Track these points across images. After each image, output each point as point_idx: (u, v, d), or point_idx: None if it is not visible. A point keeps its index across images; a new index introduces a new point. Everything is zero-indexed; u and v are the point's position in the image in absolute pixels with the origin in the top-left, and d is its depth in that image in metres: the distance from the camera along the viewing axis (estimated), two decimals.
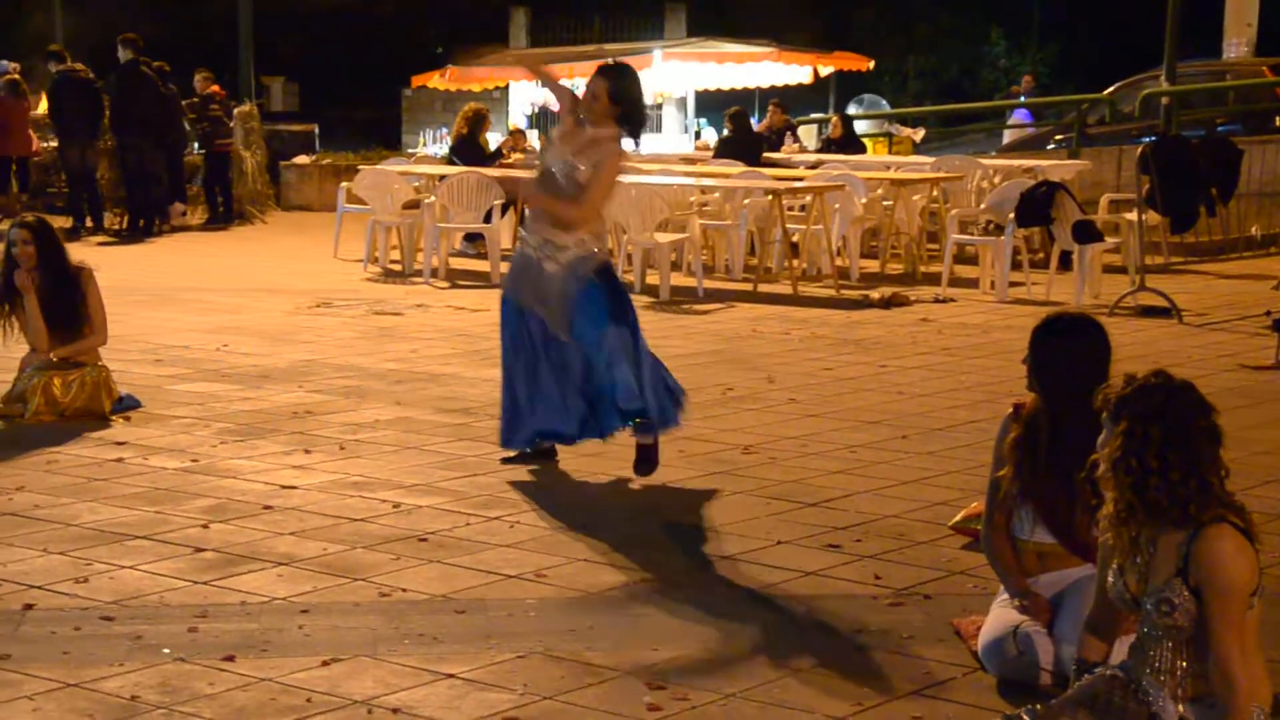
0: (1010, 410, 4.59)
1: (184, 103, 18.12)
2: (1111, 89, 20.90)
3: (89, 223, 17.30)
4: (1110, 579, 3.68)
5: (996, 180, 15.07)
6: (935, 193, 14.87)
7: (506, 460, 6.89)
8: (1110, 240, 12.97)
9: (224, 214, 18.55)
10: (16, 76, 18.34)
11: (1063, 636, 4.30)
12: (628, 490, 6.58)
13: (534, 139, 21.08)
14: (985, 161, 16.46)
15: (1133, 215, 12.79)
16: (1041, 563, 4.54)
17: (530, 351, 6.73)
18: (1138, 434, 3.52)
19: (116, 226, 17.66)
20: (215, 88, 18.57)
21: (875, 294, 12.42)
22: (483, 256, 14.63)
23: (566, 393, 6.72)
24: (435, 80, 24.14)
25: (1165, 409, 3.52)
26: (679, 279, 13.36)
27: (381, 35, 34.97)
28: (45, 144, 18.70)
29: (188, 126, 18.38)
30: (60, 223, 16.16)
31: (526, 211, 7.14)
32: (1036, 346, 4.48)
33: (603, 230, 6.84)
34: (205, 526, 5.89)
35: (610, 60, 7.01)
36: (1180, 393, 3.55)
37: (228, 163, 18.74)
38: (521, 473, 6.78)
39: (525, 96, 24.34)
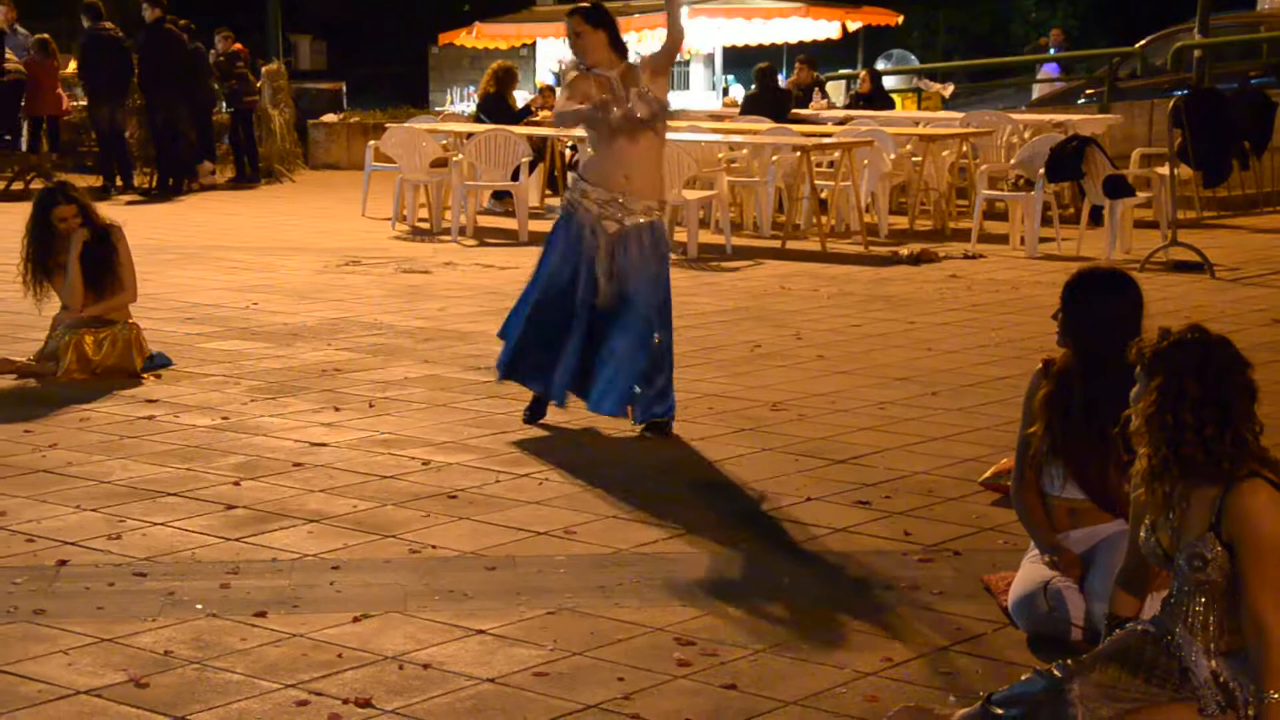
0: (1040, 366, 4.57)
1: (211, 62, 18.12)
2: (1143, 42, 20.70)
3: (118, 182, 17.33)
4: (1143, 534, 3.66)
5: (1027, 135, 14.96)
6: (965, 148, 14.78)
7: (531, 419, 6.88)
8: (1142, 195, 12.87)
9: (250, 173, 18.57)
10: (46, 35, 18.34)
11: (1094, 592, 4.28)
12: (656, 447, 6.58)
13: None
14: (1015, 117, 16.34)
15: (1164, 169, 12.69)
16: (1072, 519, 4.52)
17: (562, 306, 6.69)
18: (1173, 389, 3.50)
19: (146, 185, 17.69)
20: (238, 46, 18.56)
21: (904, 250, 12.37)
22: (510, 214, 14.62)
23: (575, 351, 6.68)
24: (463, 38, 24.07)
25: (1202, 364, 3.49)
26: (707, 236, 13.33)
27: None
28: (75, 103, 18.70)
29: (216, 85, 18.37)
30: (90, 182, 16.23)
31: (582, 164, 6.92)
32: (1068, 302, 4.44)
33: (664, 195, 6.78)
34: (236, 484, 5.92)
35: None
36: (1216, 347, 3.52)
37: (253, 121, 18.75)
38: (550, 430, 6.79)
39: (552, 53, 24.21)
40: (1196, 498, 3.54)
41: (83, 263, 7.84)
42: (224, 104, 19.03)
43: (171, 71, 16.99)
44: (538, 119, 16.75)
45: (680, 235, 12.85)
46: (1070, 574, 4.38)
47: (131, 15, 17.45)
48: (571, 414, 6.93)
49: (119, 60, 17.05)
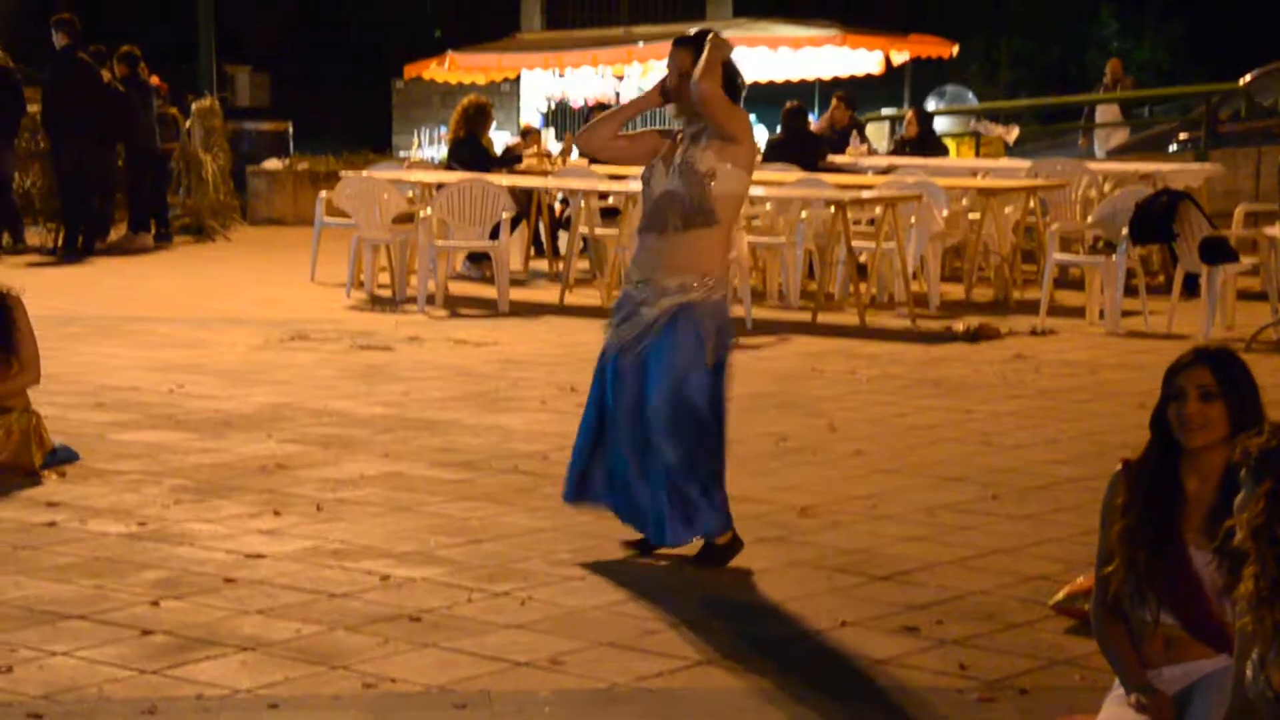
0: (1119, 467, 4.54)
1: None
2: (1248, 77, 20.88)
3: (5, 239, 17.26)
4: (1249, 673, 3.64)
5: (1107, 189, 15.06)
6: (1032, 204, 14.87)
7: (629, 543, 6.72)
8: (1246, 260, 12.93)
9: (162, 230, 18.38)
10: None
11: None
12: (662, 560, 6.57)
13: (550, 139, 21.14)
14: (1093, 166, 16.46)
15: (1274, 230, 12.74)
16: (1167, 651, 4.49)
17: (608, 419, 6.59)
18: None
19: (49, 244, 17.74)
20: (155, 79, 18.47)
21: (959, 325, 12.41)
22: (489, 280, 14.69)
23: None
24: (433, 69, 24.26)
25: None
26: None
27: (369, 15, 35.24)
28: None
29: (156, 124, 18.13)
30: None
31: (636, 242, 6.83)
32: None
33: (722, 271, 6.56)
34: (155, 604, 5.91)
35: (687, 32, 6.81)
36: None
37: (169, 166, 18.70)
38: (533, 539, 6.78)
39: (540, 89, 24.43)
40: None
41: None
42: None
43: (82, 108, 16.96)
44: (524, 168, 16.86)
45: None
46: (1163, 719, 4.35)
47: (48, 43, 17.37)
48: (559, 518, 6.93)
49: (6, 93, 16.96)
